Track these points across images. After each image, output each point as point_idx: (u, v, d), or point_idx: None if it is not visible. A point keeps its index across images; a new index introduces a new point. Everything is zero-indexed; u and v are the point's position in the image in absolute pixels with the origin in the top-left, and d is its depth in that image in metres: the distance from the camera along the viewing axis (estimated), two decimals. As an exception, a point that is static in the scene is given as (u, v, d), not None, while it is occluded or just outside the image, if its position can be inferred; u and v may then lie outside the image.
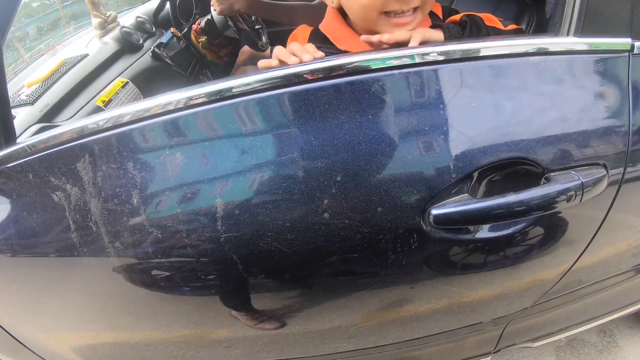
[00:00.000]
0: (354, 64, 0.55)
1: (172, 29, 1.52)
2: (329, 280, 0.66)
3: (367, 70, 0.55)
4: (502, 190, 0.59)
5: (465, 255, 0.65)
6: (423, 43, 0.64)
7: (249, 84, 0.56)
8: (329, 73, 0.55)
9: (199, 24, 1.58)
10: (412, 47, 0.62)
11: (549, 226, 0.69)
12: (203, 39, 1.58)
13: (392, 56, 0.56)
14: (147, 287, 0.68)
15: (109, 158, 0.58)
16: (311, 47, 0.63)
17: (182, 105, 0.56)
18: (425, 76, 0.57)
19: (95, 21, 1.42)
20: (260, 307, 0.72)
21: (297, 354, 0.87)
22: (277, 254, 0.58)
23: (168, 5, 1.63)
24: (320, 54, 0.62)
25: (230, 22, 1.45)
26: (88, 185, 0.59)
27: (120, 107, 0.59)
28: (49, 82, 1.11)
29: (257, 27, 1.58)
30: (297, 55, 0.61)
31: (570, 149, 0.62)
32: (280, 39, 0.94)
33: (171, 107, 0.57)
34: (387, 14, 0.69)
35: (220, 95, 0.56)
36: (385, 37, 0.66)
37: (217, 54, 1.68)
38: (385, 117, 0.56)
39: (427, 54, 0.56)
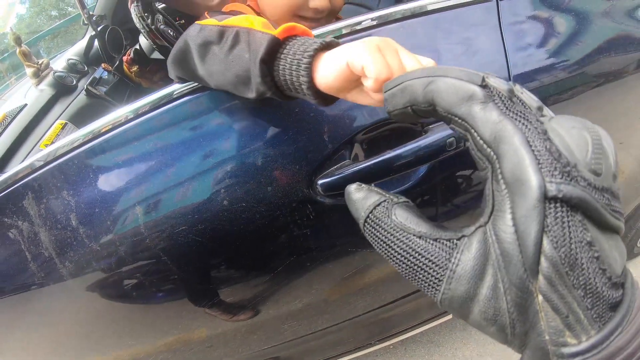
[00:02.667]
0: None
1: (103, 65, 1.60)
2: (252, 262, 0.75)
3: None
4: (383, 150, 0.68)
5: None
6: None
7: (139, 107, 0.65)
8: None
9: (129, 55, 1.67)
10: None
11: (446, 178, 0.77)
12: (135, 68, 1.66)
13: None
14: (121, 300, 0.76)
15: (48, 190, 0.67)
16: None
17: (91, 137, 0.66)
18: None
19: (29, 71, 1.50)
20: (229, 300, 0.80)
21: (277, 341, 0.96)
22: (194, 244, 0.67)
23: (97, 42, 1.71)
24: None
25: (154, 46, 1.53)
26: (35, 217, 0.68)
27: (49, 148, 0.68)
28: None
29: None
30: None
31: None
32: None
33: (85, 140, 0.66)
34: (300, 17, 0.79)
35: (126, 118, 0.66)
36: None
37: (151, 80, 1.76)
38: (258, 108, 0.65)
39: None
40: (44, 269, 0.70)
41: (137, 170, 0.66)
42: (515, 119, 0.24)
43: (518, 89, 0.26)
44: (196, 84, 0.65)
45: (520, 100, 0.25)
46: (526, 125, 0.23)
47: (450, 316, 1.28)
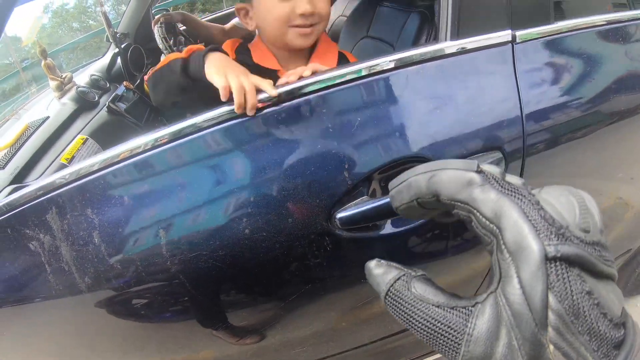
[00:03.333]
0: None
1: (124, 83, 1.66)
2: (267, 289, 0.79)
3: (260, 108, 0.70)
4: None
5: (380, 251, 0.78)
6: (314, 73, 0.77)
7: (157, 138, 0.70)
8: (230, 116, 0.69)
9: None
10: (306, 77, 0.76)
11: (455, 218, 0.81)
12: (155, 88, 1.72)
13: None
14: (130, 317, 0.80)
15: (72, 207, 0.71)
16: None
17: (117, 160, 0.70)
18: (317, 101, 0.71)
19: (53, 84, 1.56)
20: (236, 323, 0.84)
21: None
22: (215, 270, 0.71)
23: (119, 60, 1.77)
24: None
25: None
26: (57, 232, 0.71)
27: (76, 164, 0.72)
28: (16, 146, 1.23)
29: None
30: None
31: (464, 140, 0.75)
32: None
33: (112, 161, 0.70)
34: (294, 26, 0.90)
35: (149, 146, 0.70)
36: (290, 76, 0.80)
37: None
38: (281, 143, 0.69)
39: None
40: (61, 282, 0.73)
41: (162, 196, 0.70)
42: (511, 195, 0.28)
43: (503, 171, 0.30)
44: (222, 116, 0.69)
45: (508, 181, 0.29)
46: (521, 199, 0.27)
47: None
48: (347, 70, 0.71)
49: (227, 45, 1.02)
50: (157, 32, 1.65)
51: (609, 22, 0.91)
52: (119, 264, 0.71)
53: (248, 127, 0.69)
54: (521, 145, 0.78)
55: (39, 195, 0.71)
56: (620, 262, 1.52)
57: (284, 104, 0.70)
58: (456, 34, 0.75)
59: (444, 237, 0.83)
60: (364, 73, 0.72)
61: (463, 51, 0.76)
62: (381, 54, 0.97)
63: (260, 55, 0.99)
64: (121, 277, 0.72)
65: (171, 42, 1.66)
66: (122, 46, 1.78)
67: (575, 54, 0.87)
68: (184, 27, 1.84)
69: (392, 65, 0.73)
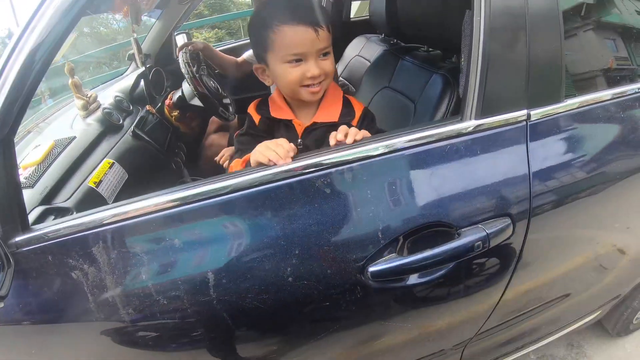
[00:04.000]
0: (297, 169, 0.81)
1: (147, 107, 1.76)
2: (301, 328, 0.90)
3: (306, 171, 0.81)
4: (423, 248, 0.84)
5: (403, 298, 0.90)
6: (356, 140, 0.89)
7: (232, 185, 0.80)
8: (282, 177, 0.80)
9: (171, 99, 1.83)
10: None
11: (470, 270, 0.94)
12: (176, 112, 1.82)
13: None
14: (136, 347, 0.88)
15: (119, 244, 0.80)
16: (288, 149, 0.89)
17: (169, 205, 0.79)
18: (358, 171, 0.83)
19: (79, 103, 1.64)
20: (245, 356, 0.94)
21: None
22: (256, 310, 0.81)
23: (142, 82, 1.87)
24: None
25: (196, 93, 1.70)
26: (103, 264, 0.79)
27: (121, 205, 0.80)
28: (44, 165, 1.30)
29: (224, 101, 1.84)
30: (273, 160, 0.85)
31: (479, 208, 0.87)
32: (244, 108, 1.26)
33: (161, 207, 0.79)
34: (304, 86, 1.05)
35: (201, 197, 0.80)
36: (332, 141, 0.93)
37: (190, 125, 1.93)
38: (326, 203, 0.81)
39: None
40: (104, 313, 0.81)
41: (213, 243, 0.81)
42: None
43: None
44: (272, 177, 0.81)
45: None
46: None
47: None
48: (383, 144, 0.84)
49: (251, 107, 1.19)
50: (181, 57, 1.75)
51: (614, 97, 1.04)
52: (166, 300, 0.80)
53: (296, 188, 0.81)
54: (527, 209, 0.91)
55: (82, 230, 0.79)
56: (609, 306, 1.64)
57: (328, 170, 0.81)
58: (480, 113, 0.87)
59: (457, 286, 0.95)
60: (399, 147, 0.84)
61: (485, 128, 0.88)
62: (402, 106, 1.09)
63: (276, 109, 1.15)
64: (170, 312, 0.82)
65: (194, 68, 1.76)
66: (146, 68, 1.89)
67: (582, 127, 1.00)
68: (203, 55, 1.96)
69: (424, 140, 0.86)
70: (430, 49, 1.54)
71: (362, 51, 2.15)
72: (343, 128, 0.92)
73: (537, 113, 0.92)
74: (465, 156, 0.87)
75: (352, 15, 3.00)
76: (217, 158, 1.45)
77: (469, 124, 0.87)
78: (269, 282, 0.80)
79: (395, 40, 1.66)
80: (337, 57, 2.34)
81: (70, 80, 1.63)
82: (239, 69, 2.06)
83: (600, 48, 1.24)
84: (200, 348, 0.90)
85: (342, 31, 2.56)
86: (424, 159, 0.86)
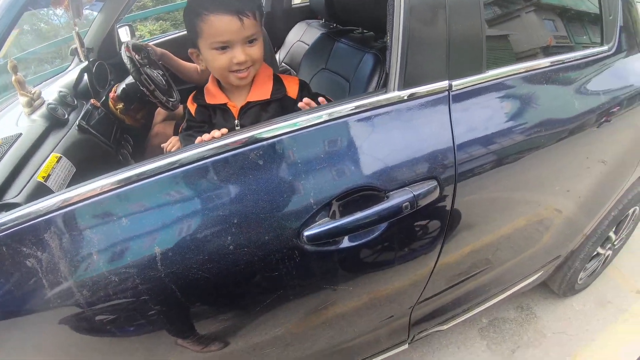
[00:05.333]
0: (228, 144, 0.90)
1: (92, 100, 1.80)
2: (250, 297, 0.99)
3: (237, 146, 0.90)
4: (354, 211, 0.94)
5: (341, 261, 1.01)
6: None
7: (172, 163, 0.88)
8: (220, 150, 0.89)
9: (115, 92, 1.87)
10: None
11: (403, 232, 1.05)
12: (120, 105, 1.86)
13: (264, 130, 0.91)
14: (95, 333, 0.94)
15: (69, 228, 0.86)
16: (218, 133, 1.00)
17: (112, 187, 0.86)
18: (289, 142, 0.92)
19: (23, 100, 1.66)
20: (201, 331, 1.02)
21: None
22: (203, 280, 0.90)
23: (85, 76, 1.91)
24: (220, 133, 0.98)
25: (142, 87, 1.75)
26: (55, 250, 0.85)
27: (68, 191, 0.87)
28: None
29: (168, 91, 1.90)
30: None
31: (405, 172, 0.98)
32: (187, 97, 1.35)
33: (105, 190, 0.86)
34: (232, 71, 1.15)
35: (141, 176, 0.87)
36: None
37: (135, 117, 1.97)
38: (260, 174, 0.90)
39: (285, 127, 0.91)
40: (59, 296, 0.87)
41: (158, 219, 0.88)
42: None
43: None
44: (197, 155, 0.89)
45: None
46: None
47: (405, 347, 1.54)
48: (313, 116, 0.93)
49: (189, 99, 1.32)
50: (124, 50, 1.80)
51: (528, 70, 1.17)
52: (114, 275, 0.87)
53: (232, 162, 0.90)
54: (453, 174, 1.02)
55: (34, 218, 0.85)
56: (551, 267, 1.79)
57: (260, 144, 0.91)
58: (402, 85, 0.98)
59: (392, 249, 1.06)
60: (325, 118, 0.94)
61: (409, 99, 0.99)
62: (338, 86, 1.20)
63: (211, 96, 1.26)
64: (108, 290, 0.88)
65: (138, 60, 1.80)
66: (89, 62, 1.92)
67: (505, 95, 1.12)
68: (150, 48, 2.00)
69: (350, 111, 0.96)
70: (365, 31, 1.64)
71: (303, 36, 2.27)
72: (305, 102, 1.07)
73: (458, 84, 1.04)
74: (391, 125, 0.98)
75: (293, 3, 3.10)
76: (164, 145, 1.52)
77: (393, 94, 0.98)
78: (212, 251, 0.89)
79: (334, 25, 1.76)
80: (280, 43, 2.44)
81: (13, 78, 1.64)
82: (202, 77, 2.12)
83: (525, 24, 1.37)
84: (157, 327, 0.98)
85: (284, 18, 2.67)
86: (350, 128, 0.96)
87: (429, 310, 1.43)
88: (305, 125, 0.93)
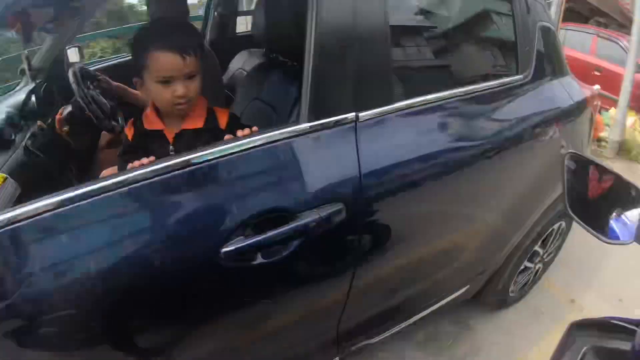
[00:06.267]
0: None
1: (38, 122, 1.88)
2: (182, 312, 1.10)
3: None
4: (267, 230, 1.07)
5: (257, 277, 1.13)
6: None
7: (105, 187, 0.97)
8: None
9: (61, 114, 1.95)
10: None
11: (315, 250, 1.19)
12: (66, 128, 1.94)
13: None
14: (37, 348, 1.00)
15: (14, 244, 0.93)
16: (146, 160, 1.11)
17: (53, 207, 0.95)
18: (210, 169, 1.05)
19: None
20: (138, 345, 1.11)
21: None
22: (134, 293, 1.01)
23: (33, 97, 1.99)
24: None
25: (87, 111, 1.84)
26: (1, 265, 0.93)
27: (13, 209, 0.93)
28: None
29: (113, 115, 2.00)
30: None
31: (314, 195, 1.12)
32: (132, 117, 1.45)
33: (43, 210, 0.94)
34: (175, 104, 1.27)
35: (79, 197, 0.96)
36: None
37: (81, 140, 2.06)
38: (183, 198, 1.03)
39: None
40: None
41: (93, 238, 0.98)
42: None
43: None
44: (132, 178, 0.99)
45: None
46: None
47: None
48: (232, 145, 1.07)
49: (129, 124, 1.44)
50: (71, 74, 1.89)
51: (441, 99, 1.33)
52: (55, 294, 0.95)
53: (158, 186, 1.01)
54: (360, 197, 1.18)
55: None
56: (475, 282, 1.94)
57: (185, 169, 1.02)
58: (313, 117, 1.13)
59: (306, 266, 1.20)
60: (242, 148, 1.07)
61: (317, 129, 1.13)
62: (267, 116, 1.34)
63: (149, 122, 1.38)
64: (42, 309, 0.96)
65: (84, 84, 1.90)
66: (36, 83, 2.01)
67: (414, 124, 1.28)
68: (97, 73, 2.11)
69: (265, 141, 1.09)
70: (295, 63, 1.78)
71: (244, 64, 2.43)
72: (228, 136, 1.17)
73: (365, 115, 1.19)
74: (302, 153, 1.13)
75: (237, 31, 3.30)
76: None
77: (303, 126, 1.13)
78: (142, 267, 1.00)
79: (274, 55, 1.90)
80: (223, 70, 2.57)
81: None
82: None
83: (441, 56, 1.53)
84: (95, 341, 1.06)
85: (228, 45, 2.84)
86: (265, 157, 1.11)
87: (355, 324, 1.55)
88: (226, 154, 1.06)
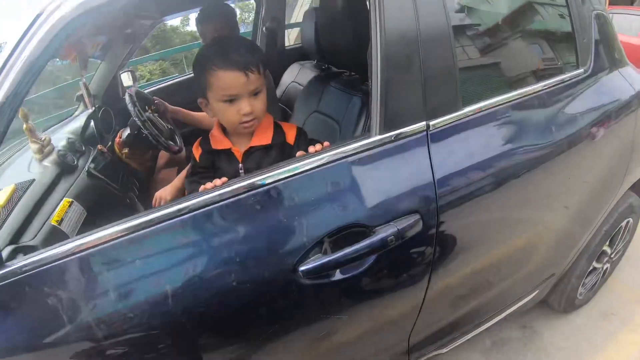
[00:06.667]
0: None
1: (99, 146, 1.94)
2: (253, 328, 1.11)
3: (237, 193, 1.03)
4: (343, 247, 1.07)
5: (334, 293, 1.13)
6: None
7: (180, 209, 1.00)
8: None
9: (120, 137, 2.02)
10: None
11: (391, 263, 1.17)
12: (125, 150, 2.00)
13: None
14: None
15: (87, 272, 0.97)
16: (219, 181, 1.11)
17: (124, 234, 0.97)
18: (283, 187, 1.05)
19: (34, 147, 1.79)
20: None
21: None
22: (210, 314, 1.02)
23: (92, 122, 2.06)
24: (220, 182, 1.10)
25: (145, 132, 1.90)
26: (74, 289, 0.96)
27: (82, 237, 0.97)
28: (7, 208, 1.44)
29: (172, 135, 2.04)
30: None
31: (390, 209, 1.11)
32: (191, 140, 1.49)
33: (118, 235, 0.97)
34: (242, 123, 1.28)
35: (150, 223, 0.99)
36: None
37: (140, 161, 2.12)
38: (258, 218, 1.03)
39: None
40: (76, 332, 0.97)
41: (168, 260, 1.00)
42: None
43: None
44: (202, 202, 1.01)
45: None
46: None
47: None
48: (305, 162, 1.07)
49: (195, 145, 1.45)
50: (128, 97, 1.95)
51: (505, 101, 1.31)
52: (131, 312, 0.98)
53: (233, 207, 1.03)
54: (435, 207, 1.15)
55: (52, 261, 0.96)
56: (544, 287, 1.89)
57: (259, 190, 1.04)
58: (383, 128, 1.12)
59: (382, 280, 1.19)
60: (316, 164, 1.08)
61: (390, 141, 1.13)
62: (329, 128, 1.33)
63: (216, 142, 1.39)
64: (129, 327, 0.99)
65: (141, 107, 1.96)
66: (95, 109, 2.07)
67: (483, 129, 1.26)
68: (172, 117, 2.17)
69: (334, 158, 1.09)
70: (352, 73, 1.78)
71: (297, 77, 2.45)
72: (300, 153, 1.17)
73: (436, 123, 1.17)
74: (375, 166, 1.12)
75: (287, 45, 3.33)
76: (153, 203, 1.67)
77: (375, 138, 1.12)
78: (218, 287, 1.01)
79: (326, 66, 1.90)
80: (275, 84, 2.60)
81: (25, 126, 1.78)
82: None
83: (500, 57, 1.50)
84: None
85: (278, 59, 2.87)
86: (338, 172, 1.10)
87: (426, 335, 1.54)
88: (298, 172, 1.06)
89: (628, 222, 2.16)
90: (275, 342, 1.16)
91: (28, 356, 0.98)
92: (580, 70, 1.60)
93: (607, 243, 2.10)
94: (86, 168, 1.79)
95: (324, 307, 1.15)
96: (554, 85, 1.48)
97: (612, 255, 2.23)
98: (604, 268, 2.26)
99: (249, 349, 1.16)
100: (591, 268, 2.11)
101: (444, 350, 1.67)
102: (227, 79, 1.23)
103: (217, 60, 1.23)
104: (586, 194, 1.66)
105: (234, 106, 1.26)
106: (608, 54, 1.75)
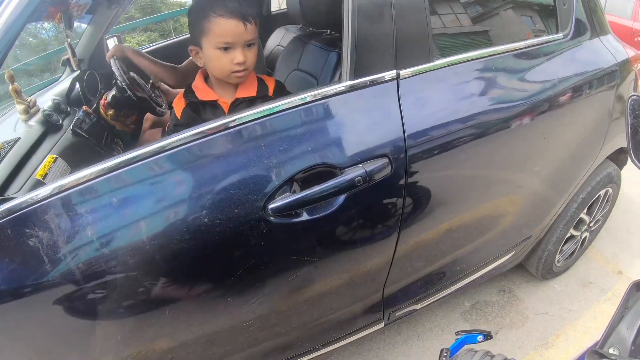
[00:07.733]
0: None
1: (84, 107, 1.98)
2: (225, 264, 1.16)
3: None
4: (313, 186, 1.12)
5: (303, 232, 1.18)
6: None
7: (155, 149, 1.04)
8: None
9: (106, 99, 2.05)
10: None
11: (360, 206, 1.22)
12: (111, 111, 2.04)
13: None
14: (88, 317, 1.10)
15: (66, 210, 1.02)
16: None
17: (100, 174, 1.02)
18: (255, 128, 1.10)
19: (20, 107, 1.82)
20: (187, 306, 1.18)
21: (233, 352, 1.35)
22: (183, 250, 1.06)
23: (77, 85, 2.09)
24: None
25: (130, 93, 1.94)
26: (54, 229, 1.00)
27: (58, 180, 1.02)
28: None
29: (156, 97, 2.08)
30: None
31: (358, 152, 1.16)
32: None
33: (95, 176, 1.02)
34: (234, 72, 1.31)
35: (128, 162, 1.04)
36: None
37: (125, 123, 2.15)
38: (230, 157, 1.08)
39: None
40: (56, 273, 1.01)
41: (143, 198, 1.05)
42: None
43: None
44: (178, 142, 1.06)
45: None
46: None
47: (381, 325, 1.70)
48: (278, 104, 1.12)
49: (177, 98, 1.48)
50: (113, 61, 1.99)
51: (480, 57, 1.36)
52: (107, 249, 1.02)
53: (206, 146, 1.07)
54: (404, 153, 1.20)
55: (33, 203, 1.00)
56: (521, 249, 1.95)
57: (230, 130, 1.08)
58: (353, 75, 1.16)
59: (351, 223, 1.24)
60: (288, 106, 1.12)
61: (359, 87, 1.17)
62: (308, 84, 1.38)
63: (202, 93, 1.42)
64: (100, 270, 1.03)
65: (126, 70, 2.00)
66: (80, 72, 2.11)
67: (455, 82, 1.31)
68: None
69: (309, 99, 1.14)
70: (333, 32, 1.82)
71: (281, 41, 2.49)
72: None
73: (406, 72, 1.22)
74: (345, 111, 1.17)
75: (272, 10, 3.36)
76: None
77: (346, 84, 1.17)
78: (189, 223, 1.06)
79: (310, 29, 1.94)
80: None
81: (10, 87, 1.80)
82: (183, 78, 2.24)
83: (477, 16, 1.54)
84: (145, 304, 1.13)
85: (264, 24, 2.86)
86: (309, 115, 1.15)
87: (400, 287, 1.60)
88: (270, 113, 1.12)
89: (607, 191, 2.22)
90: (248, 284, 1.21)
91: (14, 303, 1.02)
92: (560, 35, 1.65)
93: (585, 211, 2.15)
94: (71, 127, 1.83)
95: (294, 248, 1.20)
96: (530, 46, 1.53)
97: (590, 224, 2.29)
98: (583, 237, 2.32)
99: (219, 292, 1.20)
100: (569, 235, 2.16)
101: (419, 306, 1.72)
102: (226, 26, 1.27)
103: (218, 7, 1.27)
104: (562, 159, 1.71)
105: (228, 55, 1.30)
106: (589, 21, 1.79)
